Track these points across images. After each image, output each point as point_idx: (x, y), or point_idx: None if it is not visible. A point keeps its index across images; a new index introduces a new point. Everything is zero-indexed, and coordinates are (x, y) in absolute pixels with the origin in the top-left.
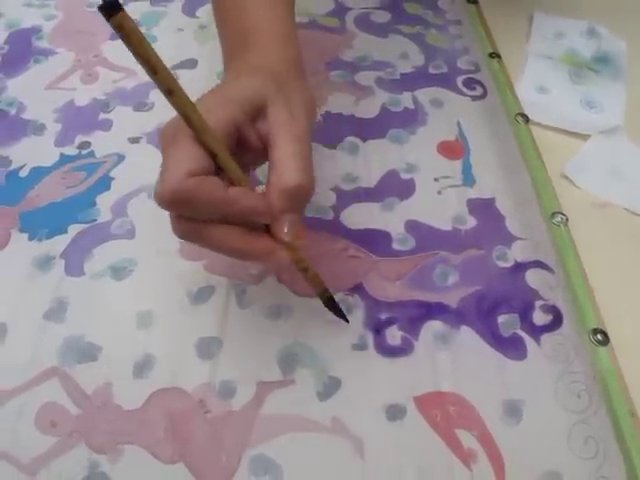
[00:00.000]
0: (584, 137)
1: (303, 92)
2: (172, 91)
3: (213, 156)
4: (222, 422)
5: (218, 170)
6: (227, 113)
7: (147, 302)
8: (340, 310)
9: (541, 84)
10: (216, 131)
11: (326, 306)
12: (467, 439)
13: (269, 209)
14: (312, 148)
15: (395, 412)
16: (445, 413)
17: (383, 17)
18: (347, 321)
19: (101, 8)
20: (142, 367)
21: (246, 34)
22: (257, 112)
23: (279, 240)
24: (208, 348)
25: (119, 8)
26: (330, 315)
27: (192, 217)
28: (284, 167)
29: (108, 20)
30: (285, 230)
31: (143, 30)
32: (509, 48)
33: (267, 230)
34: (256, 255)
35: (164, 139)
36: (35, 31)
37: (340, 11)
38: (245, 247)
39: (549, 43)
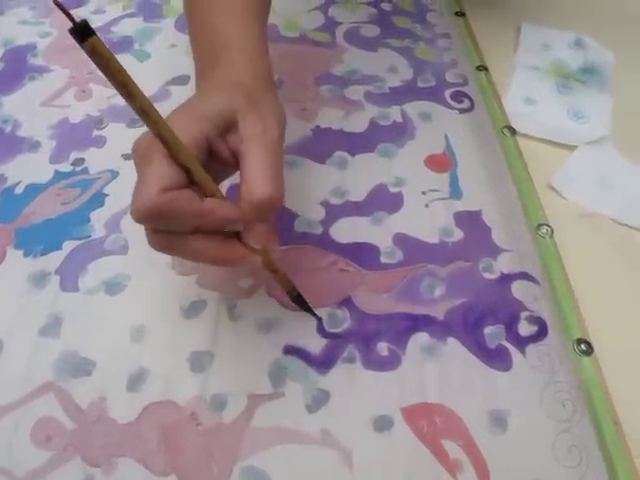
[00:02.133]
0: (571, 148)
1: (273, 105)
2: (146, 112)
3: (186, 171)
4: (213, 434)
5: (190, 184)
6: (199, 129)
7: (141, 317)
8: (308, 306)
9: (528, 95)
10: (189, 147)
11: (295, 302)
12: (453, 449)
13: (242, 218)
14: (283, 159)
15: (383, 423)
16: (432, 424)
17: (373, 31)
18: (318, 318)
19: (72, 32)
20: (136, 381)
21: (216, 51)
22: (228, 126)
23: (250, 247)
24: (200, 361)
25: (91, 32)
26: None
27: (167, 230)
28: (255, 179)
29: (81, 44)
30: (257, 237)
31: (137, 46)
32: (497, 59)
33: (238, 236)
34: (231, 261)
35: (137, 156)
36: (30, 48)
37: (330, 26)
38: (221, 255)
39: (536, 54)
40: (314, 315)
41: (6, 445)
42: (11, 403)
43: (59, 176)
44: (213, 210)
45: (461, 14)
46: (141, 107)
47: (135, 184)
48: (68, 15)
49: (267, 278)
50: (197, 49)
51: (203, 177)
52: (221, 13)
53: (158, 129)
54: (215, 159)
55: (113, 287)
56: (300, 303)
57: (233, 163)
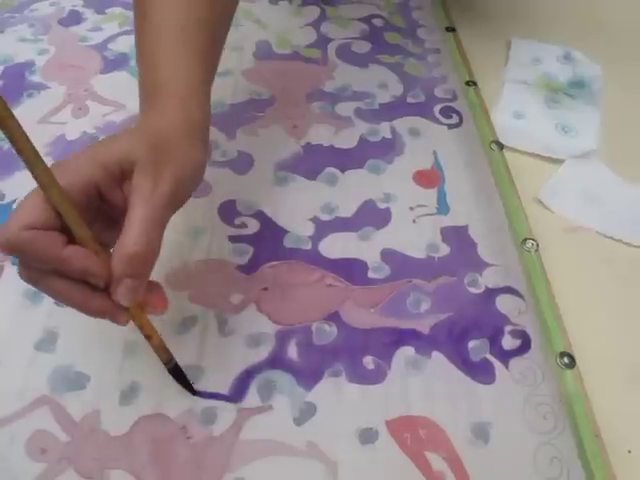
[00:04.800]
0: (559, 162)
1: (184, 157)
2: (20, 151)
3: (59, 213)
4: (203, 447)
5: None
6: (88, 173)
7: (133, 332)
8: (185, 379)
9: (517, 109)
10: (71, 189)
11: (171, 375)
12: (436, 461)
13: (102, 273)
14: (167, 217)
15: (368, 436)
16: (416, 436)
17: (364, 47)
18: (194, 392)
19: None
20: (128, 395)
21: (155, 90)
22: (124, 175)
23: (117, 302)
24: (191, 375)
25: None
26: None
27: (30, 266)
28: (128, 233)
29: None
30: (122, 294)
31: (132, 63)
32: (487, 73)
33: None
34: (93, 312)
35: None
36: (28, 66)
37: (322, 42)
38: (82, 303)
39: (526, 68)
40: (191, 390)
41: (2, 457)
42: (7, 416)
43: None
44: (71, 258)
45: (451, 29)
46: (18, 147)
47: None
48: None
49: (258, 293)
50: (140, 79)
51: (74, 222)
52: (163, 45)
53: (31, 169)
54: (110, 206)
55: None
56: (177, 377)
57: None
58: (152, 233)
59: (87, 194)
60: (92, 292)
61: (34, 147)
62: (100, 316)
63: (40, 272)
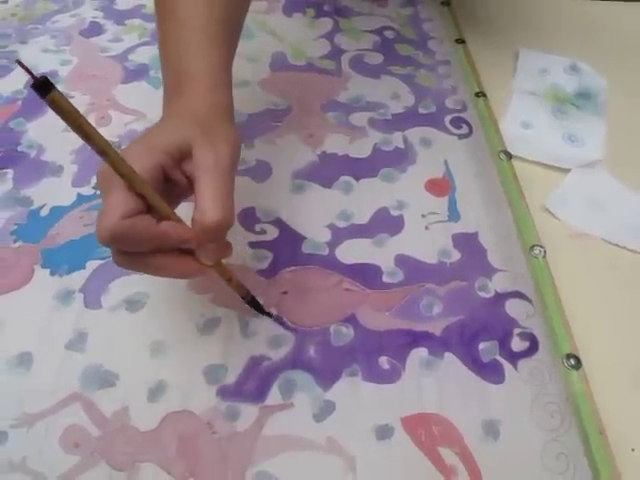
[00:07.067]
0: (565, 171)
1: (228, 134)
2: (105, 152)
3: (142, 197)
4: (228, 442)
5: (149, 208)
6: (154, 160)
7: (160, 332)
8: (262, 308)
9: (525, 119)
10: (144, 176)
11: (250, 305)
12: (449, 456)
13: (194, 237)
14: (233, 184)
15: (384, 432)
16: (429, 432)
17: (376, 59)
18: (271, 316)
19: (34, 87)
20: (156, 392)
21: (181, 80)
22: (183, 155)
23: (203, 264)
24: (215, 374)
25: (51, 86)
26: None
27: (129, 251)
28: (205, 206)
29: (42, 98)
30: (208, 256)
31: (152, 73)
32: (496, 84)
33: (192, 252)
34: (187, 274)
35: (101, 185)
36: (52, 76)
37: (335, 53)
38: (179, 270)
39: (533, 79)
40: (268, 315)
41: (38, 450)
42: (41, 412)
43: (81, 199)
44: (168, 232)
45: (461, 41)
46: (100, 149)
47: (99, 211)
48: (29, 72)
49: (278, 297)
50: (164, 73)
51: (157, 202)
52: (188, 43)
53: (115, 165)
54: (172, 184)
55: (134, 304)
56: (254, 306)
57: (188, 187)
58: (226, 201)
59: (156, 177)
60: (183, 259)
61: (115, 150)
62: (193, 276)
63: (136, 255)
